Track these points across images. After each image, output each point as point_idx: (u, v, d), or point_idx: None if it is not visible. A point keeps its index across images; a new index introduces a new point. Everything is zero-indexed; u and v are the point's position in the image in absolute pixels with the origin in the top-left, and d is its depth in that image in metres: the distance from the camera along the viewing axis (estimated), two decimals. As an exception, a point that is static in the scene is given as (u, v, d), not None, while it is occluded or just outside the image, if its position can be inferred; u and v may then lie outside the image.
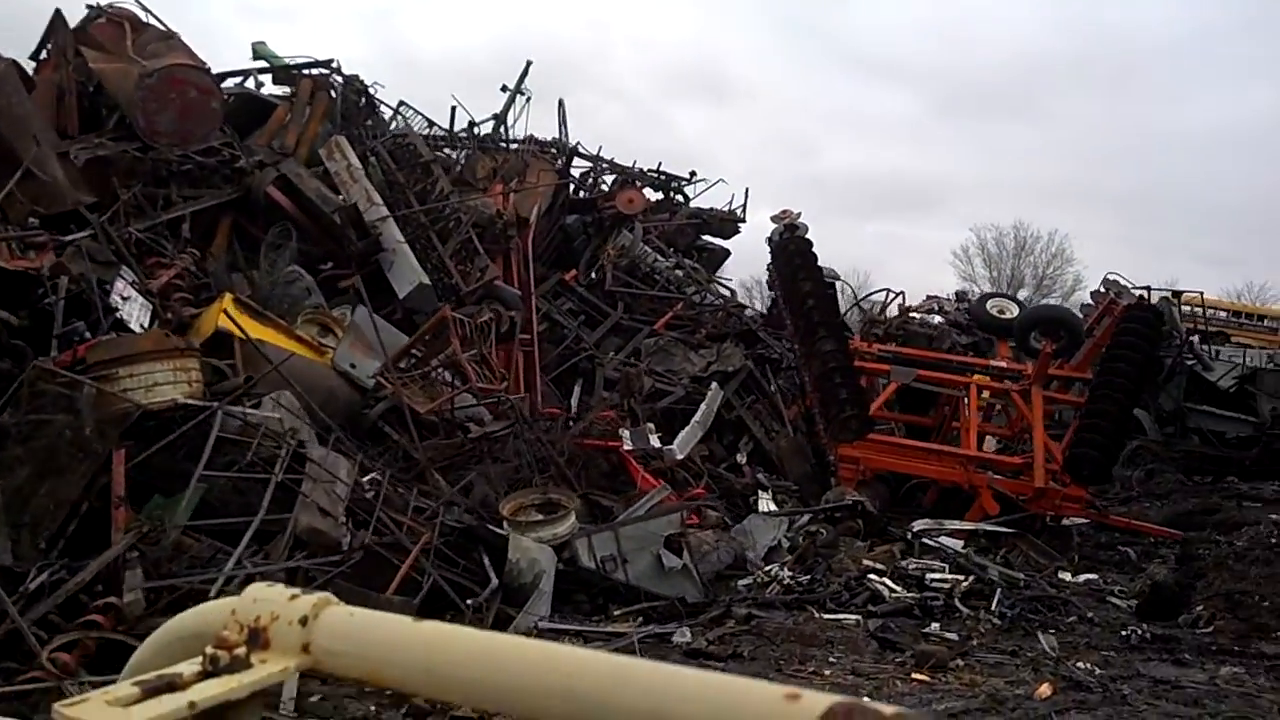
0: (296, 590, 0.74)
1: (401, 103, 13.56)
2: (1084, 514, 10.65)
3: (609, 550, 7.06)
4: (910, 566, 7.87)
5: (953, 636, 6.87)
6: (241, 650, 0.72)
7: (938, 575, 7.73)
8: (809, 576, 7.88)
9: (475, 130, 12.67)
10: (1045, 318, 10.47)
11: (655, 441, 9.99)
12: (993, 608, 7.42)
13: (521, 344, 9.87)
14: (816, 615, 7.24)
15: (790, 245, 10.62)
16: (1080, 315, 16.86)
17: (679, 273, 12.27)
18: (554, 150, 12.46)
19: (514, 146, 12.26)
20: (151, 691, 0.68)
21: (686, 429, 10.12)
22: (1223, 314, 50.02)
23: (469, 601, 6.24)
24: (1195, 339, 14.71)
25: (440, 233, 9.84)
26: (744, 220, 14.71)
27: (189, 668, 0.71)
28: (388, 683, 0.69)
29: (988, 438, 11.49)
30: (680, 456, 9.85)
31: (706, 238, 14.30)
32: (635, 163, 13.63)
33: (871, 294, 13.72)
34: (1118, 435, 9.62)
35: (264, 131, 10.47)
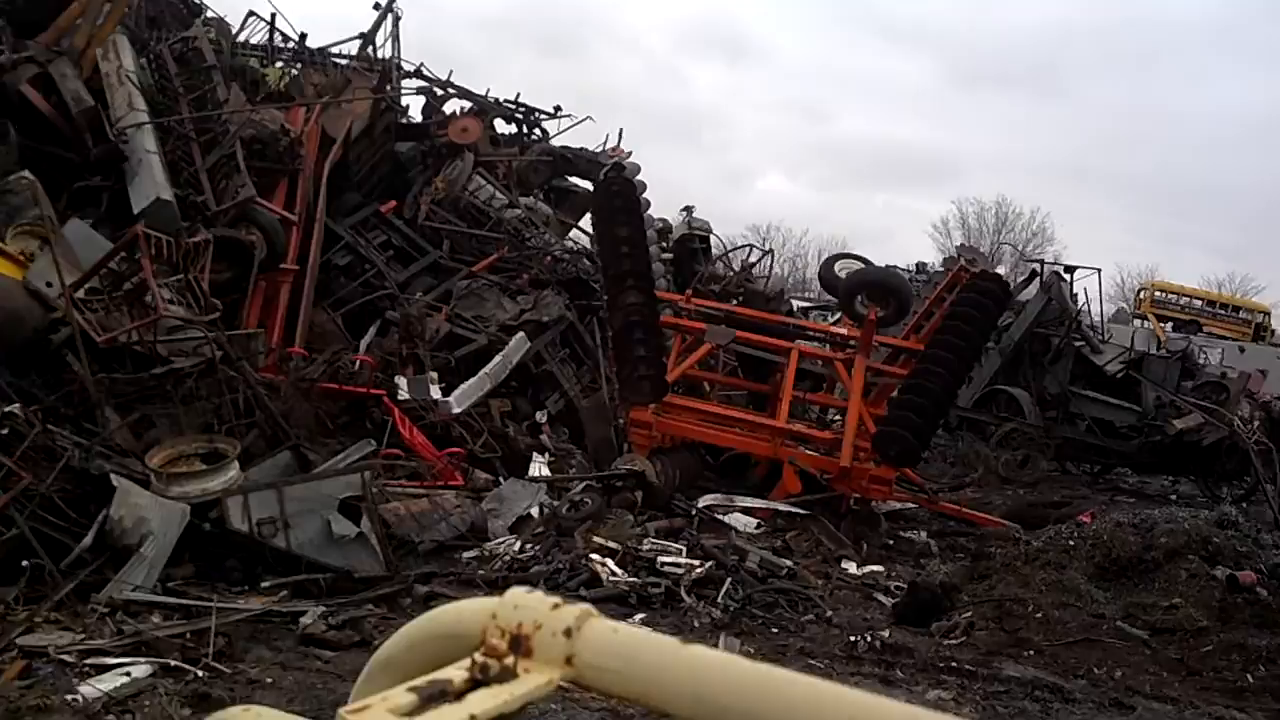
0: (558, 600, 0.72)
1: (251, 12, 12.53)
2: (910, 499, 9.80)
3: (270, 512, 6.15)
4: (645, 548, 6.98)
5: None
6: (510, 659, 0.69)
7: (670, 560, 6.84)
8: (533, 553, 7.01)
9: (306, 45, 11.61)
10: (872, 281, 9.49)
11: (436, 393, 9.09)
12: (719, 599, 6.55)
13: (285, 275, 8.93)
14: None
15: (613, 186, 9.62)
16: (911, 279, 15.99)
17: (514, 212, 11.25)
18: (380, 69, 11.40)
19: (345, 63, 11.23)
20: (428, 699, 0.66)
21: (471, 381, 9.20)
22: (1197, 303, 49.38)
23: (58, 562, 5.35)
24: (1086, 319, 13.73)
25: (207, 146, 8.85)
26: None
27: (457, 674, 0.69)
28: (652, 703, 0.67)
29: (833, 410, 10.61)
30: (457, 410, 8.94)
31: (574, 180, 13.27)
32: (489, 91, 12.60)
33: (738, 248, 12.72)
34: (934, 414, 8.69)
35: (51, 29, 9.48)
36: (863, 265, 10.67)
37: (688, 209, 13.66)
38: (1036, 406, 13.08)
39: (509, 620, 0.71)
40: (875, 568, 7.94)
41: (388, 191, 11.30)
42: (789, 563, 7.51)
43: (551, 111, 12.97)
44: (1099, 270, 13.27)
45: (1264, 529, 7.67)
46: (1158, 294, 49.64)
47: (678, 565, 6.80)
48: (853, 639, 6.17)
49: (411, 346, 9.19)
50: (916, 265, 28.56)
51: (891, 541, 8.93)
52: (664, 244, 13.46)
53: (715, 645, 5.74)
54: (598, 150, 13.70)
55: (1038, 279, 13.56)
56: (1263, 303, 57.12)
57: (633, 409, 8.99)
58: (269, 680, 4.85)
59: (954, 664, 5.96)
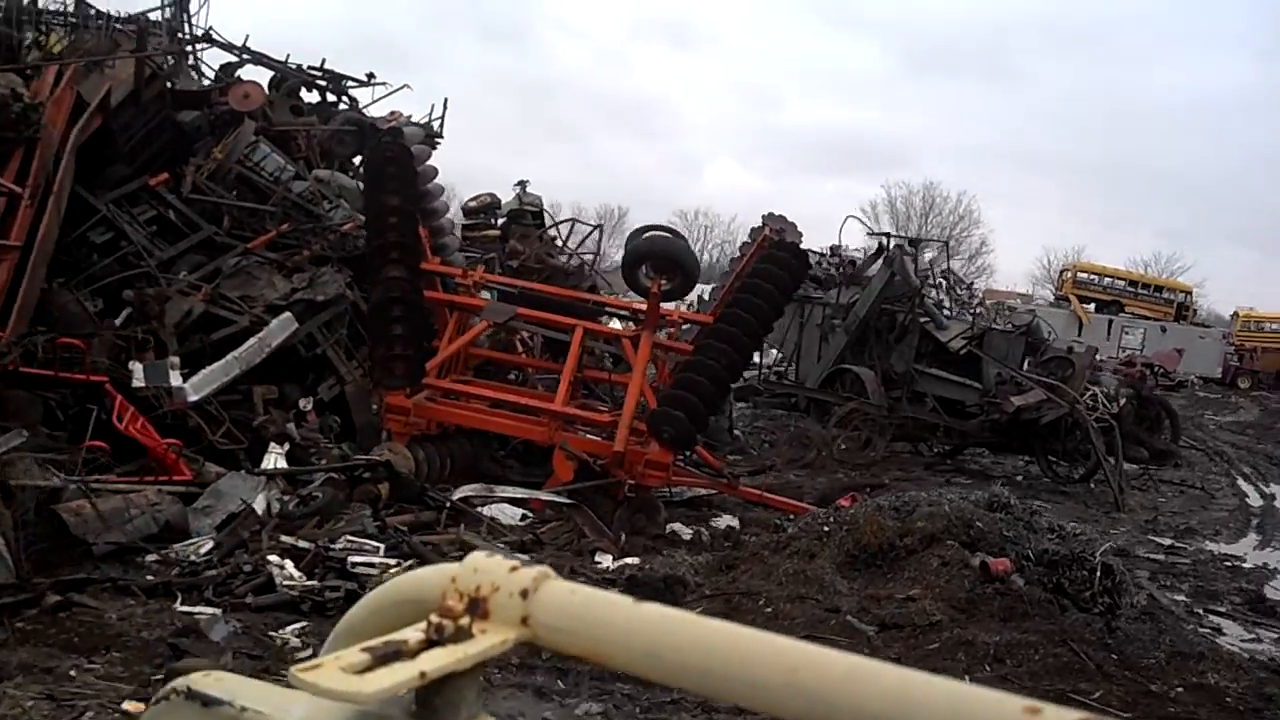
0: (516, 562, 0.73)
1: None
2: (708, 484, 9.17)
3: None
4: (338, 547, 6.26)
5: (298, 644, 5.30)
6: (465, 620, 0.71)
7: (363, 560, 6.13)
8: (213, 554, 6.27)
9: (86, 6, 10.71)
10: (656, 252, 8.82)
11: (177, 379, 8.30)
12: (404, 604, 5.85)
13: (4, 253, 8.08)
14: (174, 606, 5.68)
15: (386, 151, 8.88)
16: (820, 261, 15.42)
17: (301, 184, 10.45)
18: (158, 30, 10.55)
19: (119, 26, 10.36)
20: (381, 659, 0.66)
21: (214, 366, 8.42)
22: (1120, 283, 49.44)
23: None
24: (933, 295, 13.18)
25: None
26: (440, 135, 12.91)
27: (413, 635, 0.70)
28: (605, 661, 0.69)
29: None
30: (194, 398, 8.16)
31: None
32: (289, 57, 11.77)
33: (560, 223, 12.00)
34: (713, 394, 8.05)
35: None
36: (673, 235, 10.01)
37: (521, 183, 12.96)
38: (881, 386, 12.51)
39: (468, 584, 0.71)
40: (632, 560, 7.29)
41: (169, 164, 10.44)
42: (525, 558, 6.82)
43: (364, 79, 12.19)
44: (946, 243, 12.69)
45: (1039, 512, 7.09)
46: (1080, 275, 49.84)
47: (371, 566, 6.09)
48: (541, 644, 5.49)
49: (149, 328, 8.39)
50: (830, 248, 28.05)
51: (684, 530, 8.31)
52: (493, 219, 12.75)
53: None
54: (422, 121, 12.93)
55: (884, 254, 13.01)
56: (1186, 283, 57.84)
57: (388, 394, 8.26)
58: None
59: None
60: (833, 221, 73.98)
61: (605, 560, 7.31)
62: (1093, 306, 47.09)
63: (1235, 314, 53.40)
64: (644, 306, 9.45)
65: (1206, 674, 5.83)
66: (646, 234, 10.14)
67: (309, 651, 5.23)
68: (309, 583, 5.89)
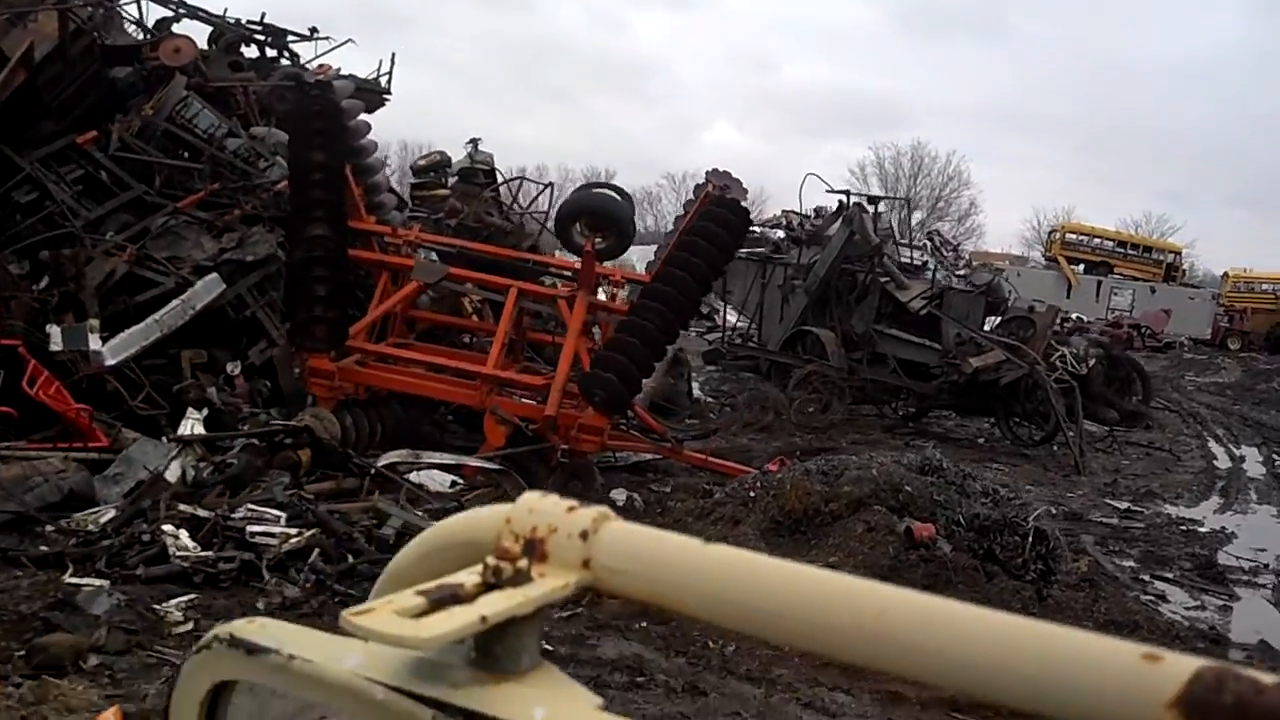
0: (573, 502, 0.68)
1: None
2: (651, 449, 8.94)
3: None
4: (238, 517, 6.01)
5: (177, 618, 5.06)
6: (524, 562, 0.66)
7: (262, 530, 5.89)
8: (112, 524, 6.04)
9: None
10: (589, 208, 8.53)
11: (96, 343, 8.05)
12: (300, 574, 5.62)
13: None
14: (64, 578, 5.45)
15: (314, 105, 8.54)
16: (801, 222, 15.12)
17: (235, 141, 10.11)
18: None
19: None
20: (437, 603, 0.62)
21: (134, 329, 8.16)
22: (1109, 244, 49.07)
23: None
24: (891, 254, 12.87)
25: None
26: (388, 92, 12.55)
27: (469, 578, 0.65)
28: (670, 605, 0.65)
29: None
30: (111, 362, 7.91)
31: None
32: (226, 10, 11.38)
33: (509, 180, 11.65)
34: (646, 355, 7.78)
35: None
36: (616, 193, 9.71)
37: (473, 141, 12.62)
38: (842, 348, 12.25)
39: (523, 525, 0.68)
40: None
41: (101, 121, 10.10)
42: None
43: (306, 33, 11.80)
44: (908, 200, 12.40)
45: (972, 475, 6.85)
46: (1069, 236, 49.45)
47: (271, 536, 5.86)
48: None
49: (67, 290, 8.11)
50: (815, 210, 27.72)
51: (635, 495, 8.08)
52: (443, 178, 12.44)
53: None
54: (370, 77, 12.57)
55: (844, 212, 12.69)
56: (1176, 243, 57.48)
57: (310, 357, 7.99)
58: None
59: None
60: (831, 183, 73.48)
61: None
62: (1081, 267, 46.80)
63: (1225, 274, 53.08)
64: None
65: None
66: (591, 189, 9.85)
67: (189, 625, 5.01)
68: (203, 553, 5.65)
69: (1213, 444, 14.05)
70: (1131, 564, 7.70)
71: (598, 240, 8.27)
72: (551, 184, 11.84)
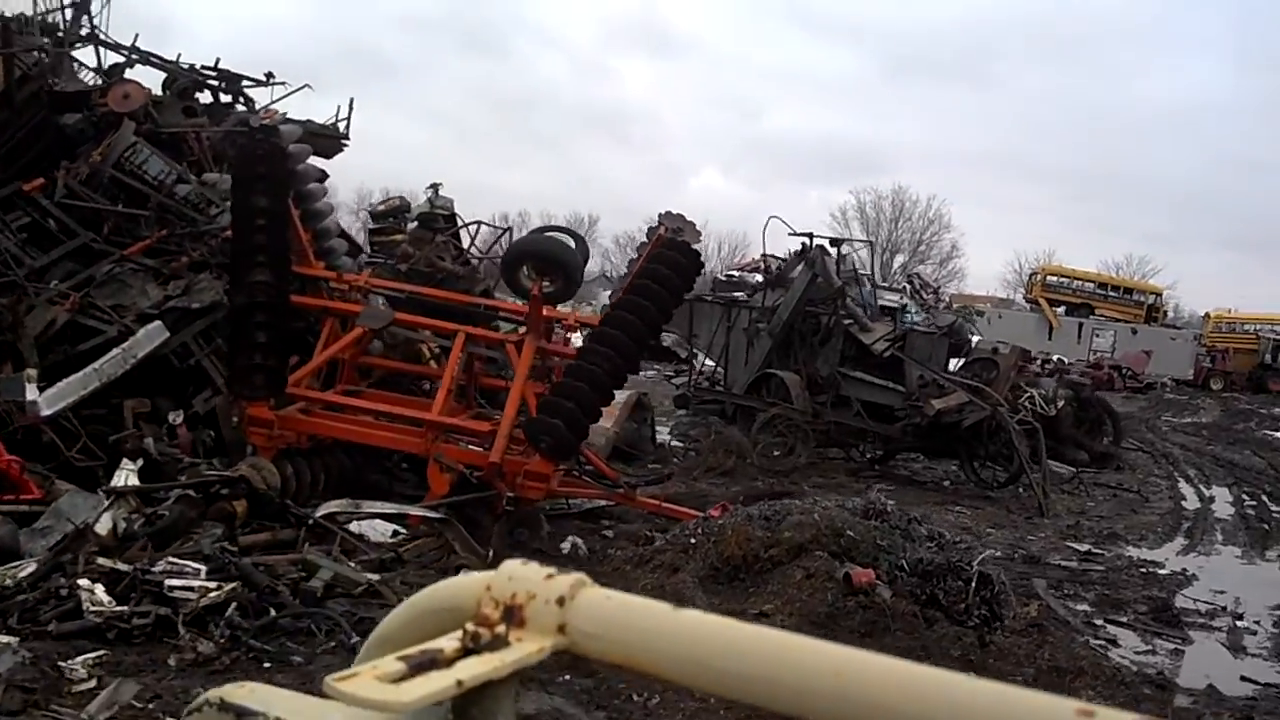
0: (552, 570, 0.72)
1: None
2: (603, 495, 8.80)
3: None
4: (158, 570, 5.84)
5: (81, 676, 4.88)
6: (501, 628, 0.70)
7: (182, 584, 5.71)
8: (30, 578, 5.85)
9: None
10: (535, 252, 8.45)
11: (33, 393, 7.90)
12: (217, 629, 5.44)
13: None
14: (-31, 635, 5.25)
15: (259, 150, 8.46)
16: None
17: (184, 188, 10.02)
18: (30, 29, 10.13)
19: None
20: (417, 668, 0.66)
21: (72, 378, 8.01)
22: (1089, 286, 49.26)
23: None
24: (855, 295, 12.80)
25: None
26: (347, 138, 12.51)
27: (448, 644, 0.69)
28: (645, 669, 0.68)
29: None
30: (47, 412, 7.76)
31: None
32: (179, 56, 11.36)
33: (467, 225, 11.56)
34: (593, 400, 7.66)
35: None
36: (571, 237, 9.64)
37: (434, 186, 12.56)
38: (806, 390, 12.15)
39: (503, 591, 0.71)
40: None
41: (49, 167, 10.02)
42: (372, 577, 6.44)
43: (262, 79, 11.77)
44: (870, 243, 12.35)
45: (918, 519, 6.72)
46: (1050, 278, 49.66)
47: (190, 590, 5.68)
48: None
49: (4, 339, 7.98)
50: (794, 253, 27.79)
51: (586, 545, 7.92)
52: (402, 224, 12.37)
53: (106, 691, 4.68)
54: (328, 123, 12.55)
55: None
56: (1157, 284, 57.79)
57: (249, 406, 7.85)
58: None
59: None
60: (815, 229, 73.97)
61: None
62: (1063, 309, 46.97)
63: (1207, 315, 53.31)
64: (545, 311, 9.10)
65: (1080, 691, 5.49)
66: (546, 234, 9.79)
67: (93, 683, 4.84)
68: (118, 608, 5.47)
69: (1183, 485, 13.94)
70: (1086, 608, 7.55)
71: (545, 284, 8.17)
72: (510, 228, 11.80)
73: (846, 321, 12.19)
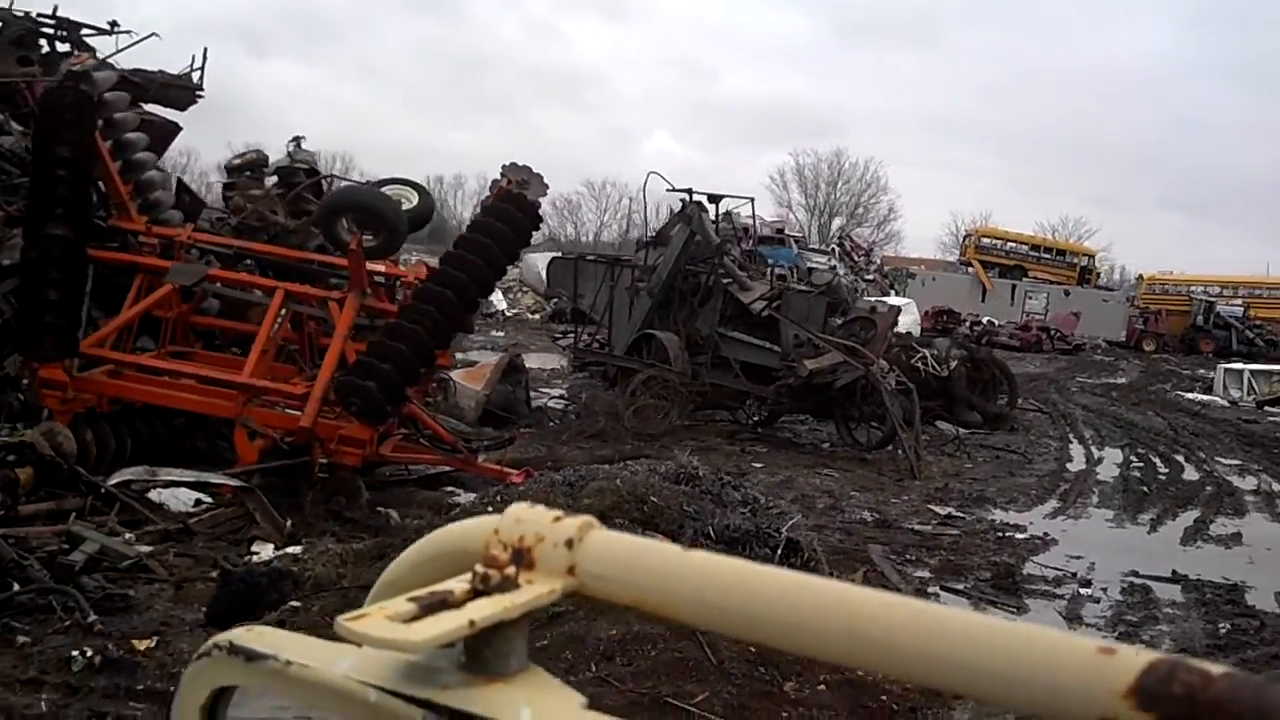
0: (559, 512, 0.72)
1: None
2: (442, 460, 8.39)
3: None
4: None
5: None
6: (511, 570, 0.69)
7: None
8: None
9: None
10: (353, 204, 7.96)
11: None
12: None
13: None
14: None
15: (66, 97, 7.86)
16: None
17: (7, 139, 9.38)
18: None
19: None
20: (428, 608, 0.65)
21: None
22: (1023, 248, 49.42)
23: None
24: (737, 253, 12.42)
25: None
26: (201, 89, 11.87)
27: (458, 585, 0.68)
28: (653, 609, 0.68)
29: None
30: None
31: (149, 107, 11.41)
32: (12, 3, 10.62)
33: (325, 177, 10.99)
34: (408, 360, 7.22)
35: None
36: (415, 190, 9.16)
37: (296, 139, 11.96)
38: (685, 351, 11.78)
39: (511, 534, 0.71)
40: (295, 549, 6.47)
41: None
42: (140, 549, 5.99)
43: (106, 27, 11.09)
44: (751, 199, 12.03)
45: (732, 484, 6.37)
46: (984, 240, 49.76)
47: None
48: (78, 653, 4.66)
49: None
50: (725, 213, 27.42)
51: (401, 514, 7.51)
52: (260, 177, 11.76)
53: None
54: (182, 73, 11.89)
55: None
56: (1091, 246, 58.22)
57: (41, 367, 7.32)
58: None
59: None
60: (766, 193, 73.55)
61: (265, 550, 6.49)
62: (996, 272, 47.11)
63: (1139, 277, 53.79)
64: (380, 267, 8.63)
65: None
66: (385, 187, 9.28)
67: None
68: None
69: (1075, 446, 13.79)
70: (925, 574, 7.28)
71: (366, 237, 7.69)
72: (370, 183, 11.22)
73: (726, 281, 11.80)
